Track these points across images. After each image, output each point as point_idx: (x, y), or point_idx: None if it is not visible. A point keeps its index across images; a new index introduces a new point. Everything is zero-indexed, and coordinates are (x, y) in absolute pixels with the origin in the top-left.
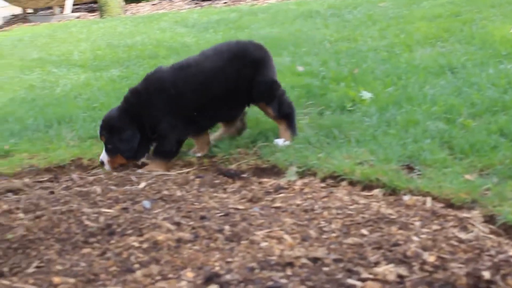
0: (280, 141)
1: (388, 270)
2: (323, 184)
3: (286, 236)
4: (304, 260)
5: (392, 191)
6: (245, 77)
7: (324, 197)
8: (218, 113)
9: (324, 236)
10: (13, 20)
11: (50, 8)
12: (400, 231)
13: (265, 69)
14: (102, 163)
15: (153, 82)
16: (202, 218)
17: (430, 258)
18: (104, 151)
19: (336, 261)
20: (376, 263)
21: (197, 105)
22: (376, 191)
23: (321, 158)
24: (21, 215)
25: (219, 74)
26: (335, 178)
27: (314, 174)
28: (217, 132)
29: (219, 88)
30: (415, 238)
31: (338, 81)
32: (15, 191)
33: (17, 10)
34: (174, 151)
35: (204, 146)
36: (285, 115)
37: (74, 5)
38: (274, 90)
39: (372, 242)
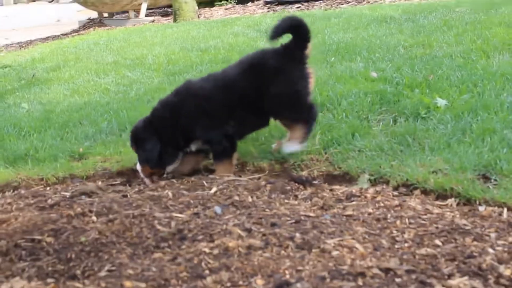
0: (292, 147)
1: (463, 283)
2: (395, 193)
3: (357, 245)
4: (375, 271)
5: (467, 201)
6: (258, 87)
7: (396, 206)
8: (241, 123)
9: (396, 246)
10: (89, 24)
11: (125, 12)
12: (475, 243)
13: (282, 79)
14: (138, 172)
15: (182, 91)
16: (273, 225)
17: (506, 271)
18: (138, 160)
19: (408, 272)
20: (450, 275)
21: (223, 112)
22: (450, 201)
23: (394, 166)
24: (94, 218)
25: (236, 82)
26: (408, 187)
27: (387, 182)
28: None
29: (236, 97)
30: (490, 250)
31: (412, 87)
32: (89, 194)
33: (93, 14)
34: (229, 147)
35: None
36: (303, 119)
37: (148, 9)
38: (288, 104)
39: (446, 253)
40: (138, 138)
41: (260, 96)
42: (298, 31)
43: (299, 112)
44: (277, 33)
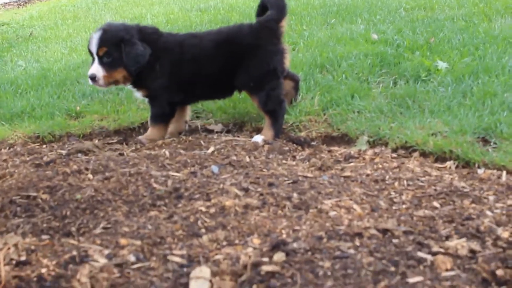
0: (258, 139)
1: (460, 245)
2: (394, 155)
3: (355, 206)
4: (373, 231)
5: (466, 164)
6: (234, 61)
7: (395, 167)
8: (206, 88)
9: (394, 208)
10: None
11: None
12: (473, 205)
13: (257, 56)
14: (93, 78)
15: (167, 38)
16: (270, 185)
17: (504, 233)
18: (97, 64)
19: (406, 233)
20: (448, 237)
21: (191, 75)
22: (449, 163)
23: (393, 128)
24: (90, 176)
25: (212, 52)
26: (407, 149)
27: (386, 144)
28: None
29: (210, 65)
30: (488, 213)
31: (413, 50)
32: (85, 152)
33: None
34: (168, 113)
35: (181, 122)
36: (270, 110)
37: None
38: (261, 81)
39: (443, 215)
40: (123, 39)
41: (231, 70)
42: (275, 4)
43: (268, 100)
44: (260, 10)
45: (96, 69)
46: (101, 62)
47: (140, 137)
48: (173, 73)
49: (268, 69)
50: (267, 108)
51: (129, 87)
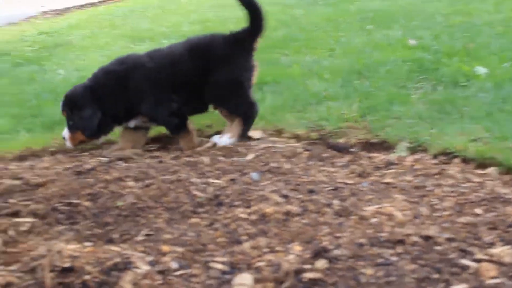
0: (217, 138)
1: (505, 252)
2: (434, 161)
3: (396, 213)
4: (415, 238)
5: (508, 170)
6: (201, 73)
7: (435, 174)
8: (183, 104)
9: (436, 214)
10: None
11: None
12: None
13: (227, 67)
14: (64, 139)
15: (130, 61)
16: (311, 191)
17: None
18: (66, 127)
19: (449, 240)
20: (491, 244)
21: (169, 87)
22: (490, 170)
23: (433, 134)
24: (131, 183)
25: (179, 63)
26: (447, 155)
27: (426, 150)
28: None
29: (179, 78)
30: None
31: (451, 55)
32: (125, 160)
33: None
34: (178, 122)
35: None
36: (241, 114)
37: None
38: (229, 93)
39: (486, 222)
40: (75, 104)
41: (201, 81)
42: (255, 19)
43: (238, 105)
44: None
45: (65, 131)
46: (68, 125)
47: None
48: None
49: (236, 82)
50: (238, 112)
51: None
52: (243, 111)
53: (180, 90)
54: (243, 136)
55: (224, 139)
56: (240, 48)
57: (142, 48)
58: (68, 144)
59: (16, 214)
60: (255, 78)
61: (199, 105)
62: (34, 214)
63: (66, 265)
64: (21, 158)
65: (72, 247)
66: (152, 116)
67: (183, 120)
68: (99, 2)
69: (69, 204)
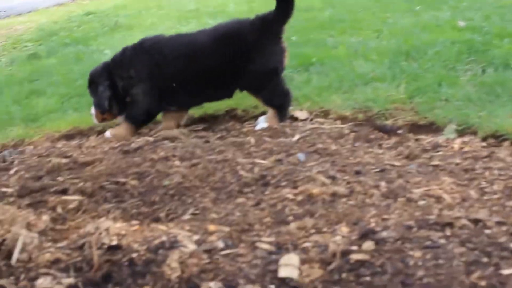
0: (262, 121)
1: None
2: (484, 144)
3: (445, 196)
4: (464, 221)
5: None
6: (233, 61)
7: (485, 157)
8: (200, 91)
9: (485, 198)
10: None
11: None
12: None
13: (260, 55)
14: (92, 115)
15: (141, 45)
16: (357, 173)
17: None
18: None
19: (498, 223)
20: None
21: (179, 77)
22: None
23: (483, 116)
24: (177, 162)
25: (206, 51)
26: (497, 138)
27: (475, 133)
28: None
29: (204, 66)
30: None
31: (502, 37)
32: (172, 139)
33: None
34: (142, 120)
35: (170, 126)
36: (276, 106)
37: None
38: (265, 81)
39: None
40: (92, 81)
41: (228, 69)
42: (285, 3)
43: (273, 95)
44: None
45: (92, 108)
46: (93, 102)
47: (106, 133)
48: (154, 77)
49: (269, 68)
50: (273, 104)
51: None
52: (277, 103)
53: (199, 78)
54: (282, 121)
55: (262, 125)
56: (268, 33)
57: (188, 28)
58: (94, 120)
59: (64, 192)
60: (286, 60)
61: (222, 92)
62: (82, 192)
63: (113, 243)
64: (68, 137)
65: (119, 225)
66: (134, 99)
67: (146, 120)
68: None
69: (116, 182)
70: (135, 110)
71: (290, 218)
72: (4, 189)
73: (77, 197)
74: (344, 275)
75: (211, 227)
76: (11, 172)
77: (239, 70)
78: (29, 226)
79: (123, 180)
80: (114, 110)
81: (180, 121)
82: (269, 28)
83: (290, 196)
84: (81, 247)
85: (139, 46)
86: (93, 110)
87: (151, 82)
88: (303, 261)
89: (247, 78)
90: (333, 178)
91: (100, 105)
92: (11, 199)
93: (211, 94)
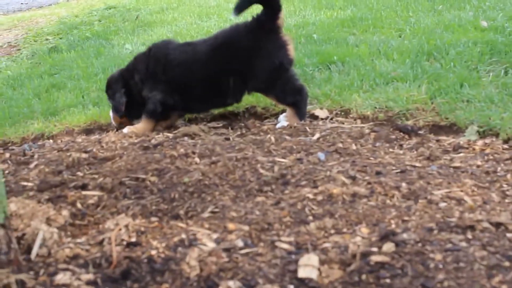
0: (282, 119)
1: None
2: (506, 146)
3: (466, 198)
4: (485, 224)
5: None
6: (234, 66)
7: (507, 159)
8: (206, 97)
9: (507, 201)
10: None
11: None
12: None
13: (260, 55)
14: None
15: (152, 50)
16: (378, 173)
17: None
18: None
19: None
20: None
21: (184, 83)
22: None
23: (505, 118)
24: (197, 159)
25: (210, 57)
26: None
27: (496, 135)
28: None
29: (207, 72)
30: None
31: None
32: (191, 136)
33: None
34: (158, 112)
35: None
36: (291, 103)
37: None
38: (273, 79)
39: None
40: (108, 87)
41: (232, 75)
42: (267, 1)
43: (285, 93)
44: (241, 6)
45: (110, 111)
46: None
47: (125, 129)
48: (166, 81)
49: (274, 66)
50: (287, 102)
51: None
52: (291, 101)
53: (203, 86)
54: (303, 120)
55: (282, 123)
56: (263, 31)
57: (208, 24)
58: (113, 123)
59: (84, 187)
60: (292, 52)
61: (229, 98)
62: (101, 187)
63: (133, 239)
64: (88, 131)
65: (138, 222)
66: (147, 94)
67: (162, 113)
68: None
69: (136, 179)
70: (149, 104)
71: (310, 218)
72: (24, 183)
73: (96, 193)
74: (363, 276)
75: (231, 226)
76: (31, 166)
77: (242, 74)
78: (49, 221)
79: (142, 176)
80: (131, 115)
81: (172, 122)
82: (262, 26)
83: (310, 195)
84: (100, 243)
85: (148, 52)
86: (111, 113)
87: (159, 82)
88: (322, 262)
89: (253, 80)
90: (353, 178)
91: (118, 110)
92: (31, 193)
93: (217, 101)
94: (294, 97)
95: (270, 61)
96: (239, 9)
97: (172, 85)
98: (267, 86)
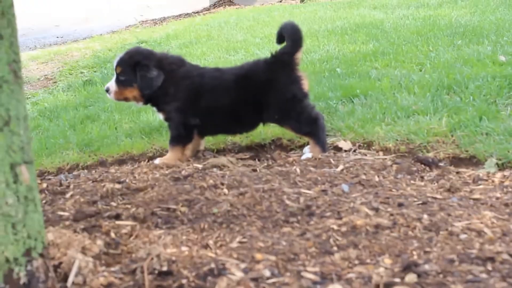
0: (307, 151)
1: None
2: None
3: (486, 230)
4: (505, 256)
5: None
6: (253, 98)
7: None
8: (222, 123)
9: None
10: (220, 2)
11: None
12: None
13: (274, 89)
14: (107, 91)
15: (187, 68)
16: (400, 205)
17: None
18: (113, 80)
19: None
20: None
21: (205, 107)
22: None
23: None
24: (225, 190)
25: (229, 87)
26: None
27: None
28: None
29: (225, 100)
30: None
31: None
32: (220, 167)
33: None
34: (183, 136)
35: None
36: (307, 132)
37: None
38: (287, 111)
39: None
40: (139, 62)
41: (251, 105)
42: (291, 37)
43: (301, 123)
44: (278, 38)
45: (111, 84)
46: (117, 79)
47: (156, 160)
48: (188, 99)
49: (287, 97)
50: (303, 132)
51: (154, 109)
52: (306, 131)
53: (224, 110)
54: (325, 150)
55: (307, 155)
56: (280, 66)
57: (235, 58)
58: (111, 96)
59: (117, 217)
60: (306, 86)
61: (244, 125)
62: (134, 217)
63: (164, 268)
64: (121, 162)
65: (169, 251)
66: (168, 116)
67: (186, 135)
68: (194, 13)
69: (167, 209)
70: (172, 129)
71: (335, 248)
72: (60, 213)
73: (129, 222)
74: None
75: (258, 256)
76: (67, 196)
77: (257, 105)
78: (84, 250)
79: (173, 206)
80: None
81: (196, 147)
82: (280, 61)
83: (335, 226)
84: (133, 272)
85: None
86: (113, 86)
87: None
88: None
89: (268, 111)
90: (376, 209)
91: (149, 87)
92: (67, 222)
93: (232, 127)
94: (310, 126)
95: (283, 93)
96: (277, 42)
97: (196, 107)
98: (281, 117)
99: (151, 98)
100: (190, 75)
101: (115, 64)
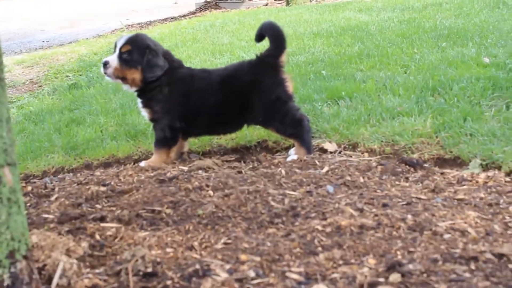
0: (292, 153)
1: None
2: (508, 179)
3: (469, 229)
4: (488, 255)
5: None
6: (238, 99)
7: (509, 191)
8: (206, 124)
9: (509, 232)
10: (206, 6)
11: None
12: None
13: (258, 91)
14: (105, 65)
15: (181, 69)
16: (385, 205)
17: None
18: (115, 56)
19: None
20: None
21: (190, 108)
22: None
23: (507, 151)
24: (210, 192)
25: (214, 88)
26: None
27: (499, 168)
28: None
29: (211, 102)
30: None
31: None
32: (205, 169)
33: None
34: (169, 138)
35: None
36: (291, 134)
37: None
38: (271, 112)
39: None
40: (149, 47)
41: (236, 106)
42: (274, 39)
43: (285, 125)
44: (258, 37)
45: (112, 59)
46: (120, 56)
47: (141, 163)
48: (179, 102)
49: (271, 99)
50: (288, 134)
51: (139, 104)
52: (290, 132)
53: (210, 111)
54: (310, 152)
55: (292, 157)
56: (264, 68)
57: (221, 61)
58: (109, 71)
59: (102, 219)
60: (291, 88)
61: (230, 126)
62: (119, 219)
63: (149, 269)
64: (106, 165)
65: (154, 253)
66: (155, 117)
67: (172, 137)
68: (180, 16)
69: (152, 211)
70: (157, 131)
71: (319, 249)
72: (45, 215)
73: (114, 225)
74: None
75: (243, 257)
76: (52, 198)
77: (242, 107)
78: (68, 252)
79: (158, 208)
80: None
81: (181, 150)
82: (264, 63)
83: (319, 227)
84: (118, 273)
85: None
86: (115, 62)
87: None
88: None
89: (252, 113)
90: (361, 210)
91: (153, 72)
92: (52, 225)
93: (217, 129)
94: (294, 128)
95: (267, 95)
96: (256, 40)
97: (184, 109)
98: (265, 119)
99: (146, 88)
100: (185, 78)
101: (122, 41)
